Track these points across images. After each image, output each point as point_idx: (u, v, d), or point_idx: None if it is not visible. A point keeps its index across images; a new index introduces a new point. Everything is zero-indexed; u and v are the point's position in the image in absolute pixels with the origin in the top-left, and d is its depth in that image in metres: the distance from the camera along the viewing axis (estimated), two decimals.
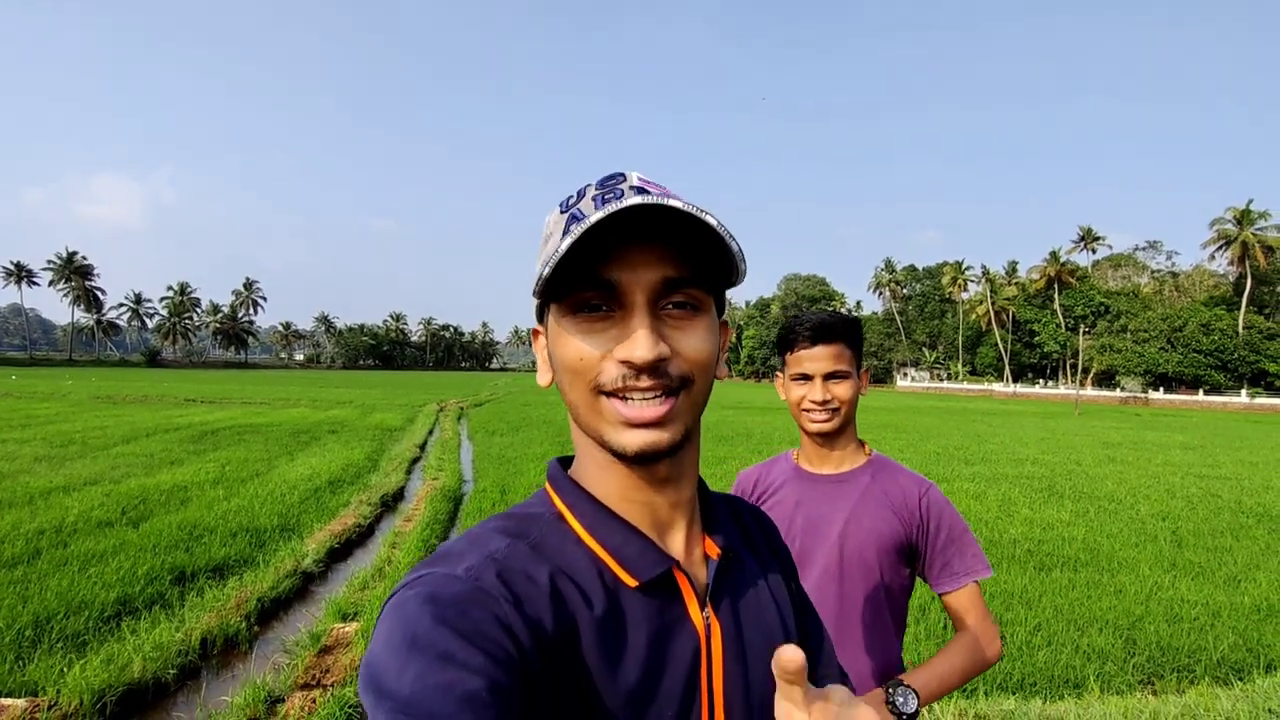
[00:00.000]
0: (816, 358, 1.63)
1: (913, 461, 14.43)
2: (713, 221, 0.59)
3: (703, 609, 0.70)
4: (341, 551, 7.54)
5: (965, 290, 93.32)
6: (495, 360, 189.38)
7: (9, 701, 3.72)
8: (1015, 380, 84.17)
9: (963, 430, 24.08)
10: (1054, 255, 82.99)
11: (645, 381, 0.62)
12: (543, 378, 0.73)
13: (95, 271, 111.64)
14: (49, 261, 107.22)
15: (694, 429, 0.71)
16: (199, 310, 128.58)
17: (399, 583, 0.59)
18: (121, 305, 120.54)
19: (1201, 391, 64.75)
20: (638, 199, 0.55)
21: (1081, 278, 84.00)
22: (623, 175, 0.67)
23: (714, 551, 0.75)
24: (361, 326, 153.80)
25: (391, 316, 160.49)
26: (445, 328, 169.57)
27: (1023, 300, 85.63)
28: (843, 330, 1.65)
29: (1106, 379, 76.04)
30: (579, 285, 0.62)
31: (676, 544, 0.72)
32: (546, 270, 0.59)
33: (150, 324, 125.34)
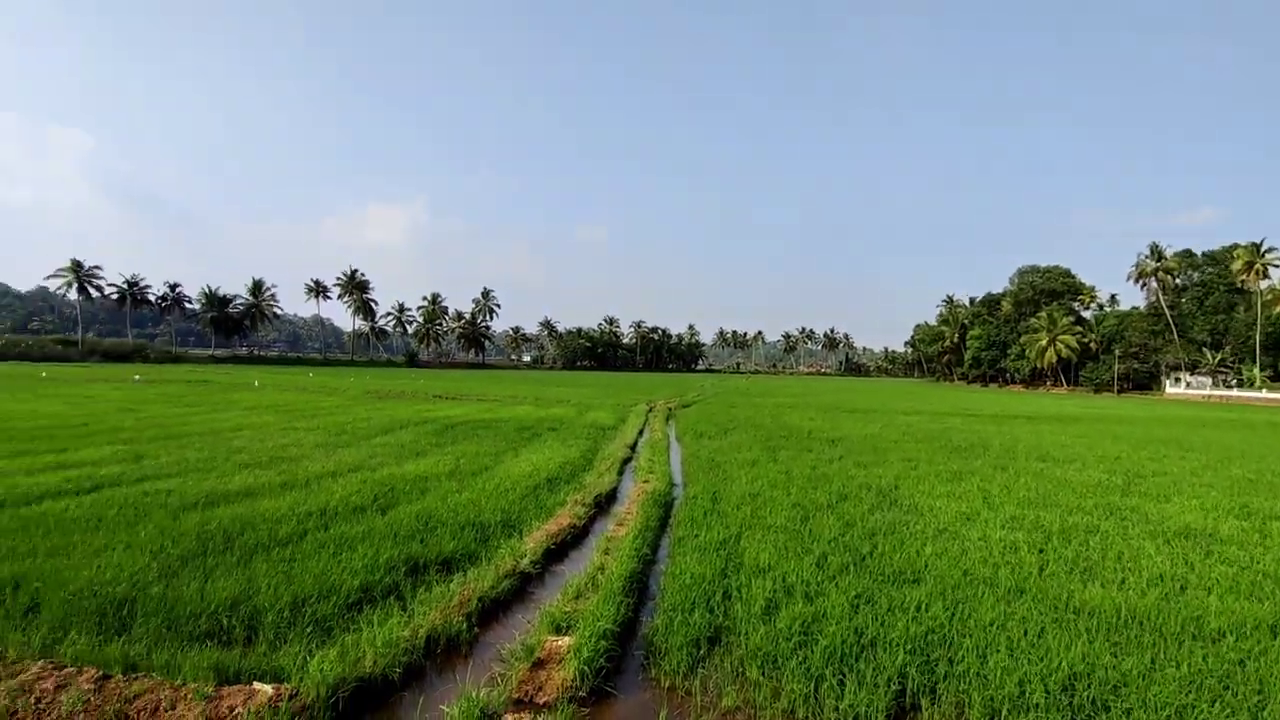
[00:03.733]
0: None
1: (1220, 489, 11.51)
2: None
3: None
4: (557, 553, 7.55)
5: (1265, 277, 75.78)
6: (701, 361, 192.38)
7: (259, 686, 3.93)
8: None
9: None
10: None
11: None
12: None
13: (371, 286, 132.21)
14: (337, 279, 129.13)
15: None
16: (447, 317, 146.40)
17: None
18: (388, 314, 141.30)
19: None
20: None
21: None
22: None
23: None
24: (579, 330, 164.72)
25: (605, 320, 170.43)
26: (654, 330, 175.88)
27: None
28: None
29: None
30: None
31: None
32: None
33: (410, 329, 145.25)
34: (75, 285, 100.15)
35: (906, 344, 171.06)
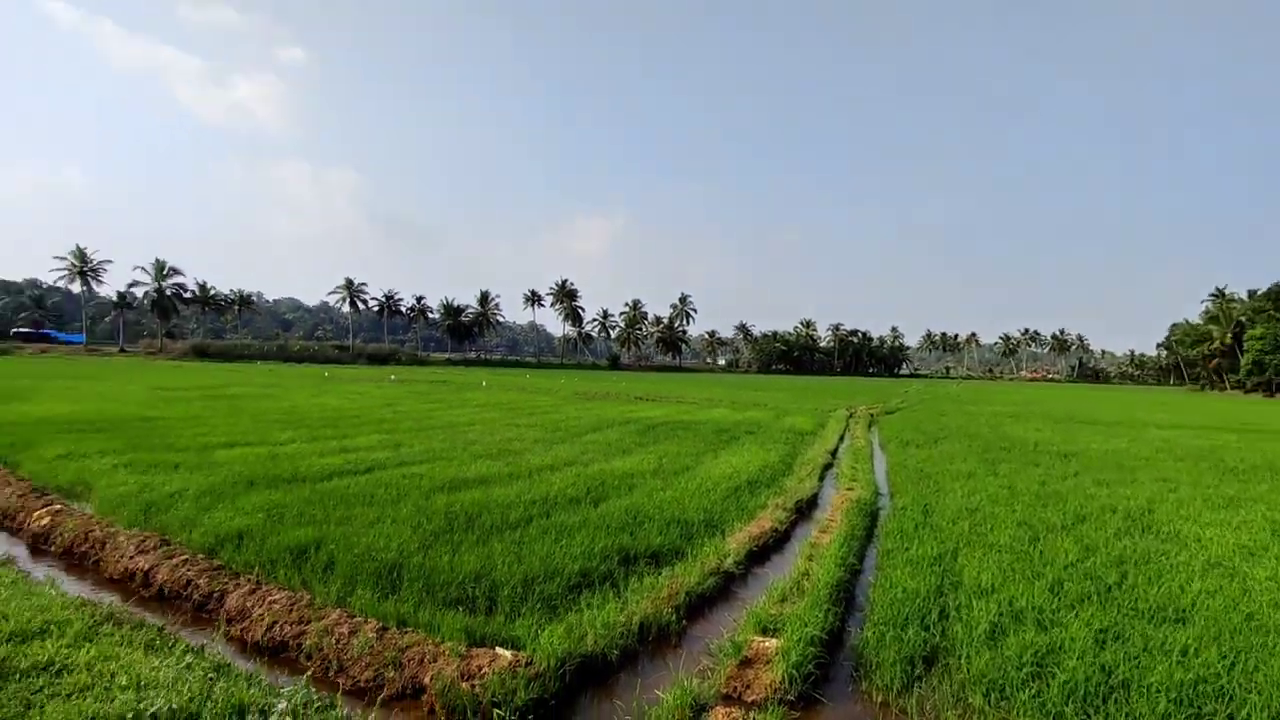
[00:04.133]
0: None
1: None
2: None
3: None
4: (759, 555, 7.60)
5: None
6: (905, 365, 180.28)
7: (501, 651, 4.48)
8: None
9: None
10: None
11: None
12: None
13: (579, 294, 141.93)
14: (549, 288, 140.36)
15: None
16: (646, 322, 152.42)
17: None
18: (594, 320, 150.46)
19: None
20: None
21: None
22: None
23: None
24: (774, 333, 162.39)
25: (802, 323, 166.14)
26: (853, 333, 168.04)
27: None
28: None
29: None
30: None
31: None
32: None
33: (613, 334, 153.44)
34: (348, 300, 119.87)
35: (1159, 346, 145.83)
